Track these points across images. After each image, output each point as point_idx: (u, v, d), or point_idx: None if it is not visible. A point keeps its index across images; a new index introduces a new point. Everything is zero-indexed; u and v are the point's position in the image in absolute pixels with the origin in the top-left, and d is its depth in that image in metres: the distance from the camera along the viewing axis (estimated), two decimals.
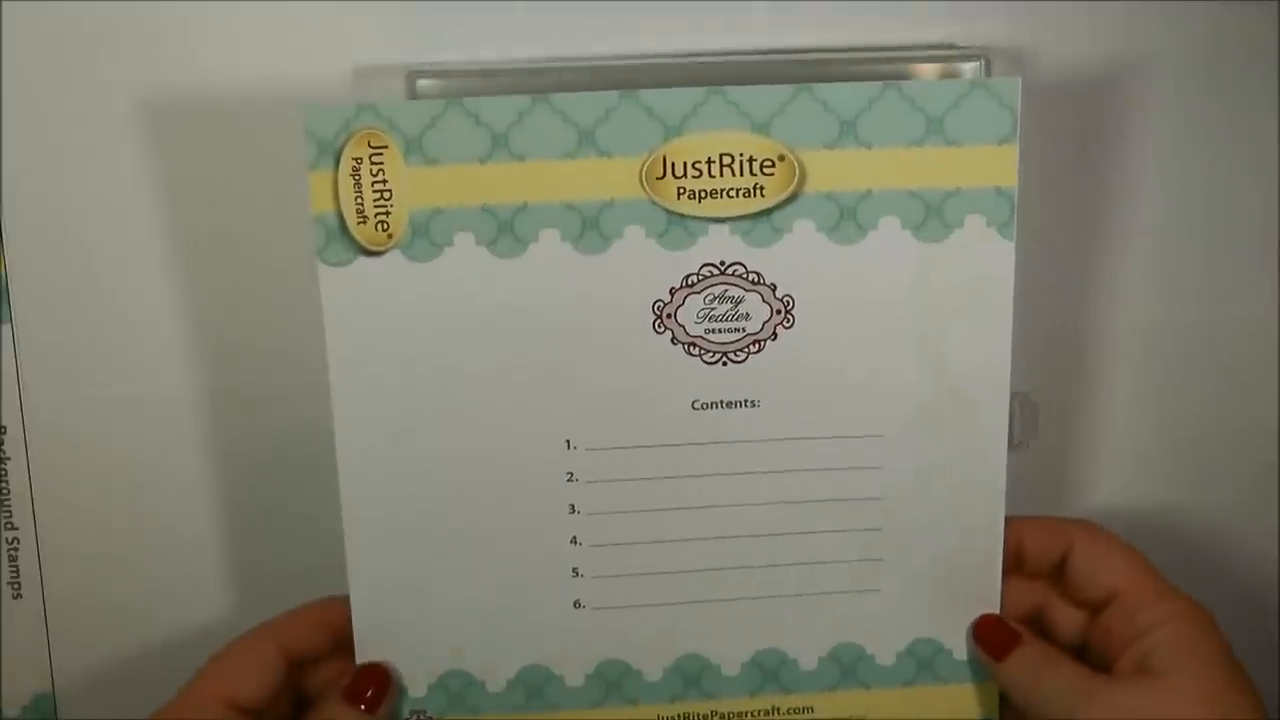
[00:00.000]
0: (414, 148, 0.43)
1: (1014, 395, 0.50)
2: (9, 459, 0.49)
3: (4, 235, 0.47)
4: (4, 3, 0.45)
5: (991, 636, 0.45)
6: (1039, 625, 0.46)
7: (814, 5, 0.48)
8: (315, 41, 0.47)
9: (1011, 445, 0.50)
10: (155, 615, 0.50)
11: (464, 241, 0.43)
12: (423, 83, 0.46)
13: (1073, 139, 0.50)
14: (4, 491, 0.49)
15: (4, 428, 0.49)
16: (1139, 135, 0.50)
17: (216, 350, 0.49)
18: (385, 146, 0.43)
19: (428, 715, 0.46)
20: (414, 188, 0.43)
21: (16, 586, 0.49)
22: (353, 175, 0.43)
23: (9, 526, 0.49)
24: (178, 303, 0.48)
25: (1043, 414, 0.51)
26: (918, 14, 0.48)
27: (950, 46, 0.48)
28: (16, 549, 0.49)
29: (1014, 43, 0.48)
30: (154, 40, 0.46)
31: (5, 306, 0.48)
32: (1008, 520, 0.46)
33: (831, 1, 0.48)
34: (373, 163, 0.43)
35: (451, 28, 0.47)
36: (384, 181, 0.43)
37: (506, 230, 0.43)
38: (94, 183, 0.47)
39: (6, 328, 0.48)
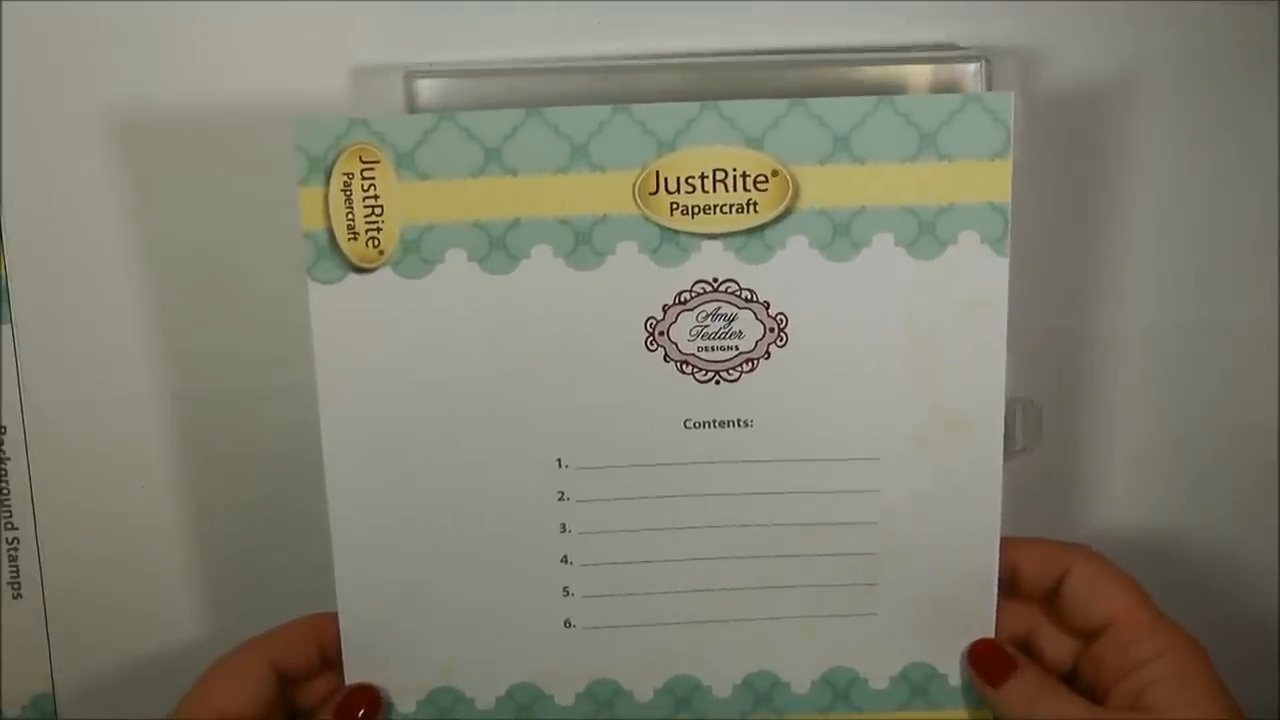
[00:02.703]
0: (406, 162, 0.43)
1: (1017, 400, 0.49)
2: (9, 459, 0.49)
3: (4, 235, 0.47)
4: (4, 2, 0.46)
5: (987, 662, 0.44)
6: (1028, 650, 0.46)
7: (814, 5, 0.47)
8: (314, 41, 0.47)
9: (1015, 451, 0.49)
10: (155, 615, 0.50)
11: (455, 258, 0.43)
12: (422, 82, 0.45)
13: (1073, 138, 0.49)
14: (4, 491, 0.49)
15: (4, 428, 0.49)
16: (1139, 135, 0.49)
17: (217, 351, 0.49)
18: (377, 161, 0.43)
19: None
20: (406, 203, 0.43)
21: (16, 586, 0.50)
22: (344, 191, 0.43)
23: (9, 526, 0.49)
24: (178, 303, 0.48)
25: (1041, 412, 0.50)
26: (918, 14, 0.47)
27: (951, 47, 0.47)
28: (16, 549, 0.49)
29: (1015, 43, 0.48)
30: (154, 39, 0.46)
31: (5, 306, 0.48)
32: (1003, 541, 0.45)
33: (831, 1, 0.47)
34: (364, 178, 0.43)
35: (451, 28, 0.47)
36: (375, 197, 0.43)
37: (499, 246, 0.43)
38: (94, 183, 0.47)
39: (6, 328, 0.48)
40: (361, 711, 0.44)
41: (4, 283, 0.48)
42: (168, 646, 0.50)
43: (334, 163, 0.42)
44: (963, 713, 0.46)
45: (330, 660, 0.45)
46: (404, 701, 0.45)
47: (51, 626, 0.50)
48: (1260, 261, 0.51)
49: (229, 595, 0.50)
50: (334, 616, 0.45)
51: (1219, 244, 0.51)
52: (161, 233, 0.48)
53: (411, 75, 0.46)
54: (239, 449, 0.49)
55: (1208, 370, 0.52)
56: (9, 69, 0.46)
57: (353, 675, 0.45)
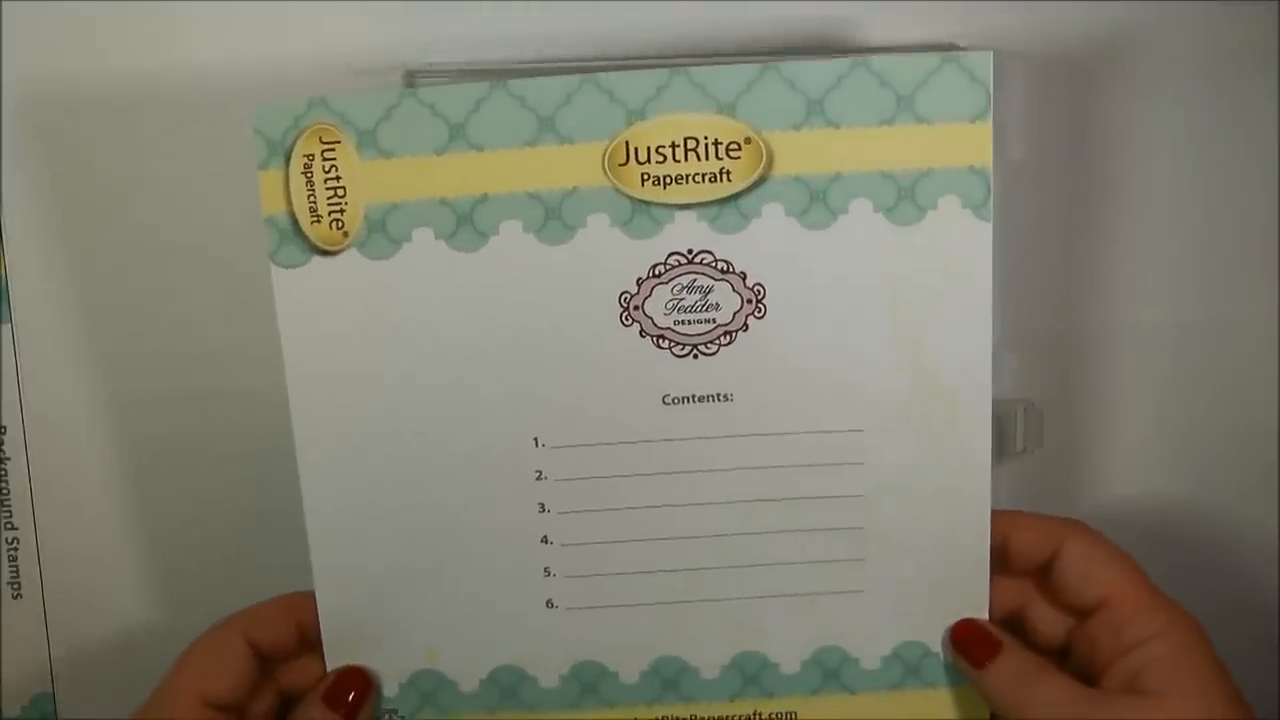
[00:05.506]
0: (368, 141, 0.42)
1: (1018, 401, 0.49)
2: (9, 459, 0.49)
3: (4, 235, 0.47)
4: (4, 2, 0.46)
5: (971, 643, 0.43)
6: (1019, 625, 0.44)
7: (814, 5, 0.47)
8: (313, 41, 0.46)
9: (1016, 452, 0.49)
10: (155, 615, 0.50)
11: (422, 237, 0.42)
12: (422, 82, 0.45)
13: (1072, 138, 0.48)
14: (4, 491, 0.49)
15: (4, 428, 0.49)
16: (1139, 134, 0.49)
17: (216, 350, 0.49)
18: (338, 141, 0.42)
19: (400, 715, 0.45)
20: (369, 183, 0.42)
21: (16, 586, 0.50)
22: (304, 173, 0.42)
23: (9, 526, 0.49)
24: (178, 302, 0.48)
25: (1042, 414, 0.49)
26: (918, 14, 0.47)
27: (951, 47, 0.47)
28: (16, 549, 0.49)
29: (1016, 43, 0.47)
30: (153, 38, 0.46)
31: (5, 306, 0.48)
32: (995, 515, 0.44)
33: (832, 1, 0.47)
34: (325, 159, 0.42)
35: (451, 28, 0.46)
36: (338, 178, 0.42)
37: (466, 223, 0.42)
38: (95, 184, 0.47)
39: (6, 328, 0.48)
40: (352, 695, 0.44)
41: (4, 283, 0.48)
42: (168, 646, 0.49)
43: (293, 144, 0.41)
44: (957, 691, 0.45)
45: (309, 640, 0.44)
46: (387, 685, 0.45)
47: (51, 626, 0.50)
48: (1260, 261, 0.50)
49: (230, 596, 0.49)
50: (311, 595, 0.44)
51: (1219, 244, 0.50)
52: (163, 234, 0.48)
53: (411, 75, 0.45)
54: (240, 449, 0.49)
55: (1208, 370, 0.51)
56: (9, 63, 0.46)
57: (334, 660, 0.45)
